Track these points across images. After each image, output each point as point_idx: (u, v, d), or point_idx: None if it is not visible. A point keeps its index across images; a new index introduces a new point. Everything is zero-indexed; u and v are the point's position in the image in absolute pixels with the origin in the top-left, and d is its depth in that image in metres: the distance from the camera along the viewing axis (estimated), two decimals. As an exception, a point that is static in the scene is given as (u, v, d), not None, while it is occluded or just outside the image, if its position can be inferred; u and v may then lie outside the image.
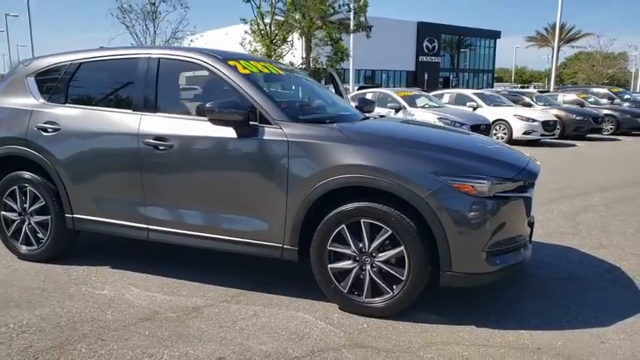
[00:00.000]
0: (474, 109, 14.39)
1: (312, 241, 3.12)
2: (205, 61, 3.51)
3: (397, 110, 12.76)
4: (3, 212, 4.06)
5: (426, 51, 53.53)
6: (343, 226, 3.03)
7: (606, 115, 16.87)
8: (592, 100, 19.69)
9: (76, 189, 3.74)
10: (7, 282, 3.59)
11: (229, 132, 3.22)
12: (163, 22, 20.49)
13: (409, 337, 2.82)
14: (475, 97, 15.24)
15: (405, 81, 51.26)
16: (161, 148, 3.41)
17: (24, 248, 4.00)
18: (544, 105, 16.62)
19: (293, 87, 4.50)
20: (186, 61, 3.60)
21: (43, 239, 3.95)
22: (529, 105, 16.40)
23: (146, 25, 18.75)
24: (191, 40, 18.85)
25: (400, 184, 2.84)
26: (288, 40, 14.82)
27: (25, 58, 4.36)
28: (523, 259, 3.07)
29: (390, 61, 48.29)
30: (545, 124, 13.64)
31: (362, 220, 2.98)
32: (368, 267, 3.02)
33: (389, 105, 13.02)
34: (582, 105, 18.15)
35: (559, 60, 39.96)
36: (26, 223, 3.99)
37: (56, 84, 3.92)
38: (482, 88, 47.32)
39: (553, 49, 58.10)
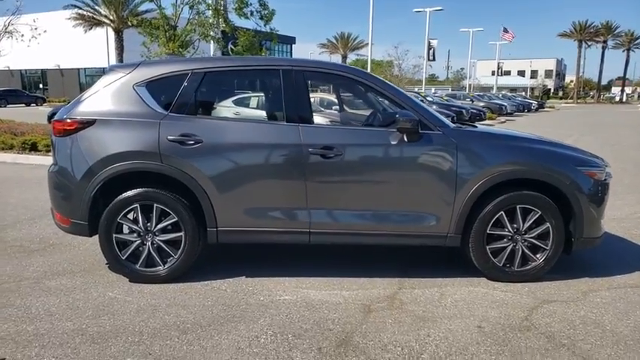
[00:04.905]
0: (339, 111, 15.92)
1: (473, 227, 3.81)
2: (358, 75, 3.87)
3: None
4: (115, 235, 3.70)
5: (230, 54, 54.31)
6: (502, 212, 3.80)
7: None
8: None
9: (224, 201, 3.68)
10: (173, 304, 3.40)
11: (399, 139, 3.69)
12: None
13: (568, 290, 3.75)
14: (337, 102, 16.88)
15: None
16: (330, 156, 3.67)
17: (161, 269, 3.72)
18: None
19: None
20: (338, 75, 3.90)
21: (171, 258, 3.75)
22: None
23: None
24: (23, 36, 16.26)
25: (553, 175, 3.75)
26: (193, 41, 14.10)
27: (115, 64, 3.92)
28: None
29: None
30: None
31: (518, 206, 3.80)
32: (520, 243, 3.85)
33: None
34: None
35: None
36: (149, 243, 3.72)
37: (179, 94, 3.74)
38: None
39: (344, 56, 65.37)
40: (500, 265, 3.87)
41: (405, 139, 3.69)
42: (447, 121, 3.96)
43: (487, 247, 3.84)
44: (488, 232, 3.82)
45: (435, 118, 3.83)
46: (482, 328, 3.13)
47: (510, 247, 3.86)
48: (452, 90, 50.43)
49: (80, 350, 2.77)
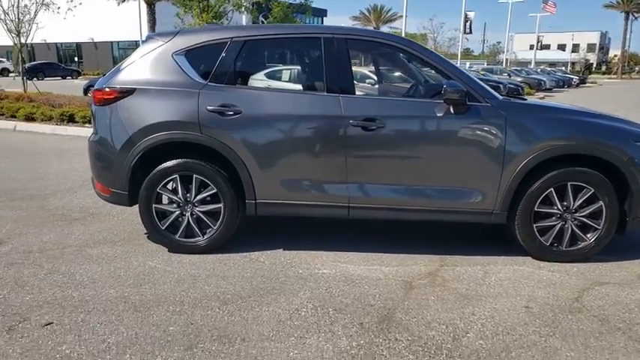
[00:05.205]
0: (373, 85, 15.65)
1: (520, 204, 3.65)
2: (403, 43, 3.71)
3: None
4: (155, 205, 3.70)
5: (261, 26, 54.08)
6: (552, 189, 3.62)
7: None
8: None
9: (262, 174, 3.62)
10: (213, 274, 3.40)
11: (445, 110, 3.53)
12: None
13: (620, 272, 3.57)
14: (374, 76, 16.58)
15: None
16: (372, 128, 3.55)
17: (200, 240, 3.73)
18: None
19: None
20: (382, 43, 3.74)
21: (210, 229, 3.74)
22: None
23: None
24: (59, 8, 16.45)
25: (609, 150, 3.54)
26: (227, 12, 14.02)
27: (154, 33, 3.87)
28: None
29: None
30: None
31: (569, 183, 3.60)
32: (569, 222, 3.67)
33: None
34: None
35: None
36: (188, 213, 3.72)
37: (218, 63, 3.66)
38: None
39: (376, 29, 64.08)
40: (548, 244, 3.71)
41: (452, 110, 3.52)
42: (496, 93, 3.76)
43: (534, 226, 3.68)
44: (535, 209, 3.65)
45: (484, 90, 3.64)
46: (529, 309, 3.01)
47: (559, 225, 3.68)
48: (487, 64, 48.95)
49: (124, 318, 2.79)
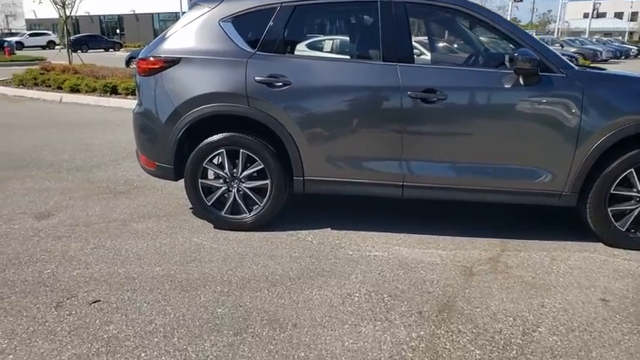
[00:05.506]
0: (418, 55, 15.10)
1: (594, 185, 3.31)
2: (470, 8, 3.37)
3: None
4: (201, 180, 3.57)
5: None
6: (632, 170, 3.27)
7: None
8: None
9: (311, 149, 3.41)
10: (260, 253, 3.26)
11: (514, 81, 3.20)
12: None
13: (703, 262, 3.23)
14: (419, 46, 15.98)
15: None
16: (432, 100, 3.27)
17: (247, 217, 3.59)
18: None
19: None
20: (445, 7, 3.41)
21: (257, 206, 3.58)
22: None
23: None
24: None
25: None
26: None
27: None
28: None
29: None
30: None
31: (654, 163, 3.24)
32: (652, 206, 3.32)
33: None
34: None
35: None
36: (234, 189, 3.57)
37: (266, 30, 3.43)
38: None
39: None
40: (624, 229, 3.38)
41: (522, 82, 3.20)
42: (570, 62, 3.40)
43: (609, 209, 3.35)
44: (612, 192, 3.31)
45: (558, 59, 3.28)
46: (607, 302, 2.72)
47: (638, 209, 3.34)
48: (536, 35, 46.64)
49: (170, 297, 2.68)
